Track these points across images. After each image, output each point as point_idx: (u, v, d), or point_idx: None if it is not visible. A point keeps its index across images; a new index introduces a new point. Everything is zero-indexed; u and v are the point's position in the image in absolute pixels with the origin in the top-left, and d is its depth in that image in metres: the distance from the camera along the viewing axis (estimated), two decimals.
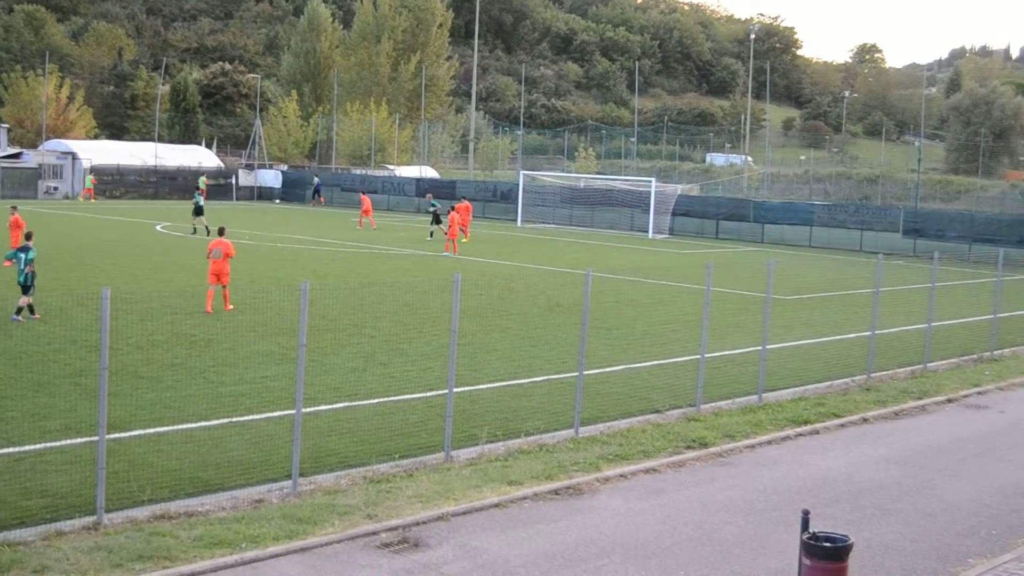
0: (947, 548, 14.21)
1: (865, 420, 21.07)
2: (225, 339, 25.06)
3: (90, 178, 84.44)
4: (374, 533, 13.49)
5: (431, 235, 56.88)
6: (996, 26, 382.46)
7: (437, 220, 57.36)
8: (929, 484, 17.05)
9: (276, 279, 37.11)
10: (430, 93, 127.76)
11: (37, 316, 26.83)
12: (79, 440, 16.32)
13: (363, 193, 67.94)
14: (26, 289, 26.87)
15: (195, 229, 53.94)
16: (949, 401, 23.32)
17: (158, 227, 56.88)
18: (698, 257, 54.06)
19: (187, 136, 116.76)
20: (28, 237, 28.93)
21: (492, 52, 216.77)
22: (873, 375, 24.89)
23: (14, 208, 39.39)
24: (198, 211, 54.77)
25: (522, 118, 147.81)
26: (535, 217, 74.76)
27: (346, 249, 49.92)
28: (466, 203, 59.33)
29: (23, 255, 27.40)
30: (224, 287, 29.77)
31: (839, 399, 22.49)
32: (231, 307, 29.70)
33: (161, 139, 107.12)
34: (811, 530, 10.71)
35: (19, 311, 26.54)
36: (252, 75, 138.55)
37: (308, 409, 17.52)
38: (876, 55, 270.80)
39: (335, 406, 19.37)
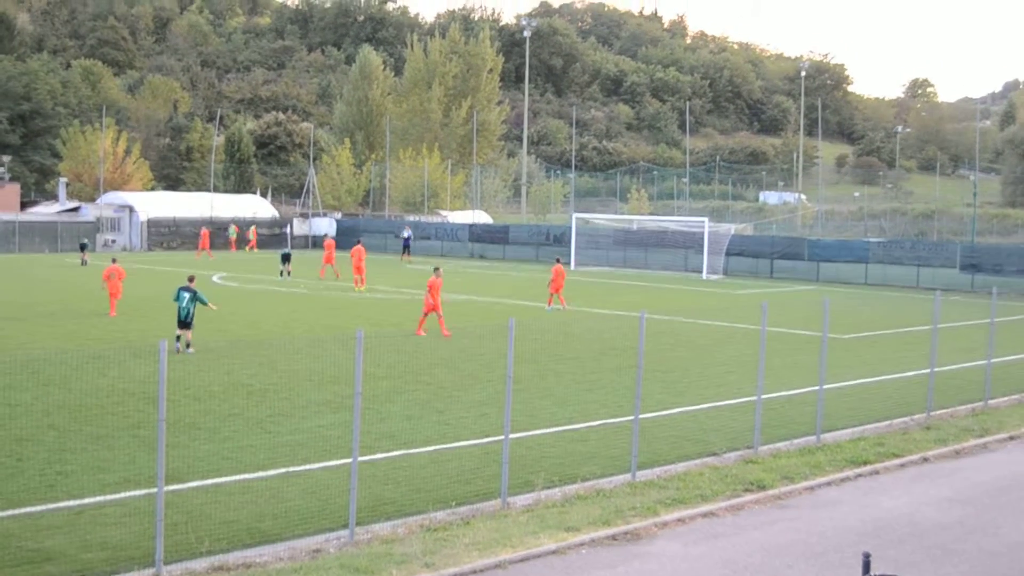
0: None
1: (926, 459, 20.82)
2: (281, 388, 25.17)
3: (252, 227, 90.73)
4: None
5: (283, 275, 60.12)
6: None
7: (286, 259, 61.60)
8: (992, 524, 16.80)
9: (331, 327, 37.28)
10: (482, 138, 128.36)
11: (192, 350, 30.26)
12: (138, 492, 16.44)
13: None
14: (187, 325, 30.49)
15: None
16: (1011, 439, 22.98)
17: (215, 278, 57.37)
18: (753, 297, 53.79)
19: (242, 186, 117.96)
20: (191, 279, 32.10)
21: (543, 96, 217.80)
22: (933, 413, 24.58)
23: (114, 260, 42.13)
24: (286, 258, 61.59)
25: (573, 161, 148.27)
26: (588, 260, 74.75)
27: (399, 296, 50.09)
28: (330, 240, 63.24)
29: (186, 295, 30.80)
30: (438, 314, 35.33)
31: (899, 438, 22.22)
32: (422, 332, 35.18)
33: (216, 189, 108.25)
34: (873, 572, 10.54)
35: (188, 345, 30.26)
36: (305, 124, 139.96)
37: (364, 458, 17.55)
38: (928, 89, 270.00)
39: (391, 454, 19.38)
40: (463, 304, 46.47)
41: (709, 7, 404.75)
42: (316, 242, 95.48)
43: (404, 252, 79.43)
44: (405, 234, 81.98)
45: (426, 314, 35.60)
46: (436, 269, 37.37)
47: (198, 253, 78.80)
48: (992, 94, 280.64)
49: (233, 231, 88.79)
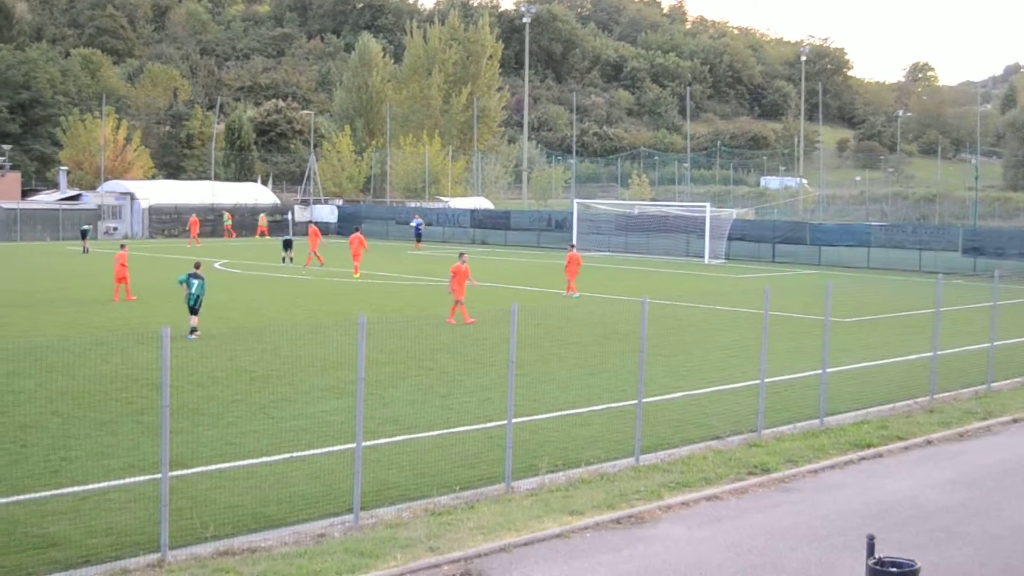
0: (1016, 571, 14.00)
1: (929, 442, 20.81)
2: (284, 374, 25.17)
3: (262, 215, 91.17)
4: (436, 566, 13.47)
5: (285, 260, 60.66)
6: None
7: (287, 246, 61.75)
8: (996, 506, 16.80)
9: (333, 313, 37.29)
10: (482, 124, 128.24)
11: (194, 336, 30.45)
12: (142, 478, 16.46)
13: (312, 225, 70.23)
14: (194, 311, 30.74)
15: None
16: (1014, 421, 22.96)
17: (217, 264, 57.36)
18: (755, 281, 53.77)
19: (242, 174, 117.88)
20: (197, 266, 32.12)
21: (543, 82, 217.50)
22: (936, 396, 24.57)
23: (123, 246, 43.36)
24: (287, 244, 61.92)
25: (574, 146, 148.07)
26: (590, 245, 74.48)
27: (401, 281, 50.11)
28: (314, 227, 63.99)
29: (196, 281, 30.99)
30: (457, 301, 34.83)
31: (902, 421, 22.22)
32: (470, 320, 34.58)
33: (217, 177, 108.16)
34: (877, 555, 10.56)
35: (192, 330, 30.48)
36: (305, 111, 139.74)
37: (368, 443, 17.56)
38: (929, 73, 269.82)
39: (395, 439, 19.40)
40: (466, 290, 46.43)
41: None
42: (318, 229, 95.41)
43: (417, 241, 79.02)
44: (414, 223, 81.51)
45: (459, 301, 35.16)
46: (461, 255, 36.90)
47: (196, 240, 79.04)
48: (993, 78, 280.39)
49: (227, 219, 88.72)
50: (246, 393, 23.02)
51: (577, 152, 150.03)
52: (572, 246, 48.80)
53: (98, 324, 33.67)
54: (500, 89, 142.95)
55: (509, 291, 45.68)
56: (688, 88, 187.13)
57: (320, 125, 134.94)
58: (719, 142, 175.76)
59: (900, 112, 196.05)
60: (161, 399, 13.92)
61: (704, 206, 72.77)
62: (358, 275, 51.73)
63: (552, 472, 17.51)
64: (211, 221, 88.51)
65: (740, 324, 36.44)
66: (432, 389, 23.95)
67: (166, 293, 40.92)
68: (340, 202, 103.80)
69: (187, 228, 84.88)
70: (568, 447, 19.22)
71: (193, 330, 30.62)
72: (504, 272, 56.28)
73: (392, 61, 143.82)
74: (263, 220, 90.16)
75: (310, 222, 78.77)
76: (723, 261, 68.44)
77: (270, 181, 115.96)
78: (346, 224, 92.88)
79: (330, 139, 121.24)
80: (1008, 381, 27.25)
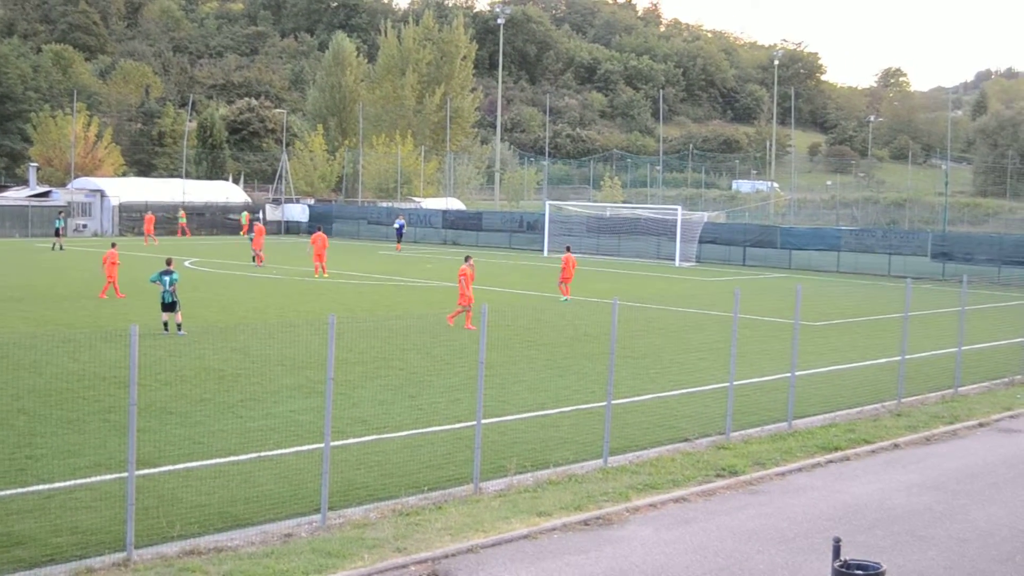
0: (981, 574, 14.07)
1: (896, 446, 20.91)
2: (253, 374, 25.09)
3: (245, 213, 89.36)
4: (403, 566, 13.45)
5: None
6: (1022, 47, 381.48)
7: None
8: (962, 509, 16.89)
9: (303, 313, 37.19)
10: (455, 125, 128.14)
11: (184, 333, 30.70)
12: (109, 477, 16.37)
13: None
14: (171, 307, 30.98)
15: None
16: (981, 425, 23.12)
17: (187, 263, 57.12)
18: (725, 284, 53.90)
19: (214, 172, 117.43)
20: (168, 263, 32.29)
21: (516, 83, 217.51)
22: (903, 400, 24.71)
23: (113, 244, 43.08)
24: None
25: (547, 148, 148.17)
26: (561, 247, 74.49)
27: (372, 282, 50.01)
28: (260, 226, 61.82)
29: (166, 278, 31.19)
30: (467, 308, 34.40)
31: (869, 425, 22.33)
32: (451, 322, 34.43)
33: (188, 175, 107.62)
34: (843, 558, 10.59)
35: (179, 327, 30.80)
36: (278, 110, 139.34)
37: (337, 443, 17.52)
38: (901, 79, 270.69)
39: (363, 439, 19.36)
40: (436, 291, 46.44)
41: None
42: (289, 228, 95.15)
43: (398, 242, 78.26)
44: (397, 224, 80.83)
45: (462, 305, 34.58)
46: (467, 258, 36.34)
47: (154, 239, 77.17)
48: (964, 84, 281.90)
49: (181, 216, 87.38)
50: (215, 392, 22.93)
51: (550, 154, 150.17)
52: (568, 248, 47.84)
53: (67, 322, 33.47)
54: (473, 90, 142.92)
55: (480, 292, 45.59)
56: (661, 91, 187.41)
57: (293, 124, 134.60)
58: (691, 145, 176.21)
59: (872, 117, 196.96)
60: (129, 397, 13.84)
61: (676, 209, 72.91)
62: (326, 275, 51.50)
63: (520, 473, 17.51)
64: (193, 219, 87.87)
65: (710, 327, 36.53)
66: (401, 389, 23.92)
67: (136, 291, 40.73)
68: (312, 201, 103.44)
69: (173, 226, 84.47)
70: (537, 448, 19.23)
71: (178, 326, 30.96)
72: (475, 273, 56.21)
73: (366, 61, 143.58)
74: (246, 218, 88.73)
75: (256, 220, 77.10)
76: (694, 264, 68.62)
77: (241, 180, 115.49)
78: (317, 224, 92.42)
79: (302, 138, 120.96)
80: (975, 385, 27.42)
